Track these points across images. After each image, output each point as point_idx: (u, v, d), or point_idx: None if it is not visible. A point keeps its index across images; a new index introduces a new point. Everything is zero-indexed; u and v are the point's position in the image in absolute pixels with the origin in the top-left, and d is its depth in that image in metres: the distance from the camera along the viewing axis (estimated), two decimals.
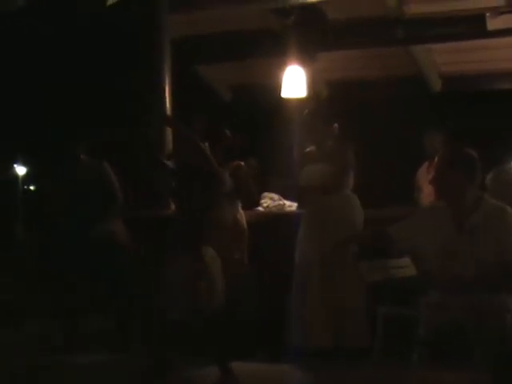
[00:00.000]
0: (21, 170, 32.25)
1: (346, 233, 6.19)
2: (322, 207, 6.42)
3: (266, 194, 7.67)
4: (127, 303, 6.89)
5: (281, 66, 8.61)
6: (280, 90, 8.65)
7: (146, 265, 6.60)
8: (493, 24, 8.33)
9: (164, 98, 7.76)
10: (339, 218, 6.42)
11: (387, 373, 5.45)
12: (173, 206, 7.00)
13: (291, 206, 7.52)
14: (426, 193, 8.08)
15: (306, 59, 8.61)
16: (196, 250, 5.83)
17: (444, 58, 9.77)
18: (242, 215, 6.78)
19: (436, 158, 5.04)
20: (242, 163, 6.76)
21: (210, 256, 5.88)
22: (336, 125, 6.56)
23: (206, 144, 6.05)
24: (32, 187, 32.85)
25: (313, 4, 8.20)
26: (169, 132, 7.49)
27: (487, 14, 8.27)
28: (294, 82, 8.54)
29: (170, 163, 6.34)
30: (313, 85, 9.01)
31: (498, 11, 8.24)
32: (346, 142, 6.55)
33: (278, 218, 7.31)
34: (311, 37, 8.59)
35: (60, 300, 6.83)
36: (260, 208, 7.52)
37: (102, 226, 6.77)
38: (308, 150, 6.70)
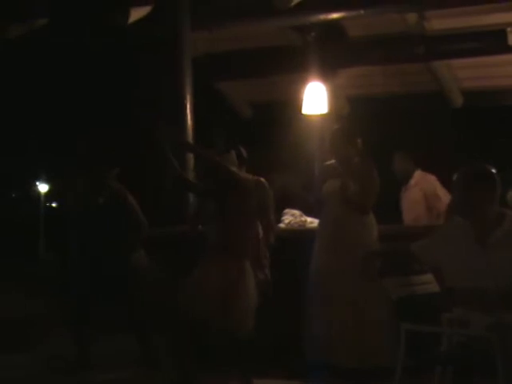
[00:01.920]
0: (43, 188, 32.42)
1: (363, 248, 6.20)
2: (340, 222, 6.44)
3: (287, 210, 7.65)
4: (152, 321, 6.90)
5: (301, 83, 8.63)
6: (301, 107, 8.66)
7: (173, 282, 6.61)
8: None
9: (186, 115, 7.78)
10: (357, 233, 6.43)
11: None
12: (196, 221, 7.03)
13: (313, 222, 7.50)
14: (404, 209, 8.18)
15: (326, 76, 8.62)
16: (237, 262, 5.87)
17: (465, 74, 9.75)
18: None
19: (456, 175, 5.02)
20: (263, 179, 6.77)
21: (249, 269, 5.92)
22: (360, 140, 6.58)
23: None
24: (54, 205, 33.02)
25: (333, 21, 8.21)
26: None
27: (508, 29, 8.26)
28: (315, 98, 8.54)
29: (197, 183, 6.39)
30: (334, 101, 9.02)
31: None
32: (371, 161, 6.57)
33: (300, 234, 7.30)
34: (332, 53, 8.61)
35: (79, 319, 6.84)
36: (281, 225, 7.51)
37: (128, 254, 6.79)
38: (328, 163, 6.72)
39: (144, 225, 6.85)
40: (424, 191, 8.27)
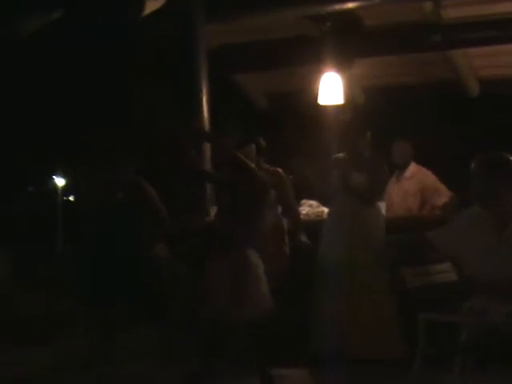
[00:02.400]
0: (60, 182, 32.50)
1: (375, 238, 6.22)
2: (352, 212, 6.45)
3: (304, 200, 7.66)
4: (172, 315, 6.91)
5: (317, 73, 8.61)
6: (316, 97, 8.65)
7: (189, 274, 6.63)
8: None
9: (202, 106, 7.78)
10: (368, 223, 6.44)
11: (428, 381, 5.41)
12: (212, 213, 7.04)
13: None
14: (396, 200, 8.11)
15: (342, 66, 8.60)
16: (241, 252, 5.87)
17: (481, 62, 9.70)
18: (282, 221, 6.80)
19: (473, 163, 5.00)
20: (280, 170, 6.77)
21: (254, 257, 5.92)
22: (369, 133, 6.59)
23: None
24: (72, 198, 33.10)
25: (349, 10, 8.19)
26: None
27: None
28: (331, 88, 8.53)
29: (213, 172, 6.40)
30: (350, 91, 9.00)
31: None
32: (380, 154, 6.59)
33: (318, 224, 7.30)
34: (348, 43, 8.58)
35: (98, 314, 6.85)
36: None
37: (149, 248, 6.80)
38: (339, 155, 6.75)
39: (165, 218, 6.86)
40: (422, 184, 8.16)
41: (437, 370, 5.37)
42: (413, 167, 8.26)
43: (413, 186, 8.13)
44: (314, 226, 7.21)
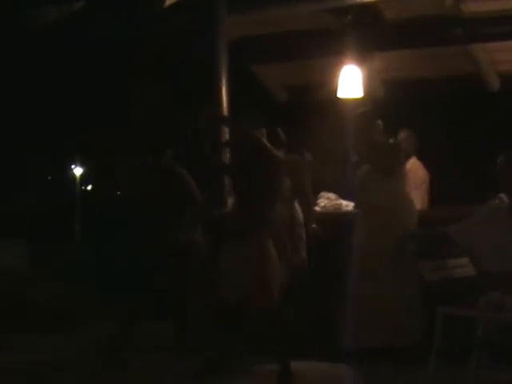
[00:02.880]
0: (78, 171, 32.61)
1: (403, 228, 6.22)
2: (380, 205, 6.46)
3: (322, 193, 7.67)
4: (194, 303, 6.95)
5: (337, 66, 8.61)
6: (336, 90, 8.65)
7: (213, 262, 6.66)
8: None
9: (221, 98, 7.80)
10: (396, 217, 6.45)
11: (444, 375, 5.42)
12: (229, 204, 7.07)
13: (348, 205, 7.51)
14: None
15: (362, 59, 8.59)
16: (257, 240, 5.91)
17: (502, 57, 9.65)
18: (299, 214, 6.82)
19: (501, 157, 5.02)
20: (297, 157, 6.77)
21: (271, 247, 5.96)
22: (380, 122, 6.66)
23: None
24: (90, 187, 33.20)
25: (370, 3, 8.18)
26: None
27: None
28: (350, 81, 8.53)
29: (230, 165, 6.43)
30: (369, 85, 8.99)
31: None
32: (393, 141, 6.66)
33: (336, 217, 7.32)
34: (368, 36, 8.56)
35: (124, 302, 6.89)
36: (317, 208, 7.52)
37: (184, 233, 6.83)
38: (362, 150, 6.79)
39: (201, 204, 6.89)
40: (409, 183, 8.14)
41: (453, 365, 5.39)
42: (414, 163, 8.32)
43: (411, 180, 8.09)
44: (332, 219, 7.24)
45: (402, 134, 8.31)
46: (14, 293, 9.81)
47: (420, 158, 8.59)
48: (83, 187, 33.32)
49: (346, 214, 7.34)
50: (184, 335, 6.89)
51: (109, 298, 7.81)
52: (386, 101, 9.84)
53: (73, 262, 14.60)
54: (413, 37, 8.76)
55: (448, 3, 8.27)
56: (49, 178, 31.35)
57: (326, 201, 7.56)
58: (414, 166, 8.40)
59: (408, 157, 8.22)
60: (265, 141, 6.13)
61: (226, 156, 7.19)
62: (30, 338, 7.68)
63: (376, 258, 6.40)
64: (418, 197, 8.16)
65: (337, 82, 8.63)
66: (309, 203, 6.84)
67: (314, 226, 6.74)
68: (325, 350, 6.50)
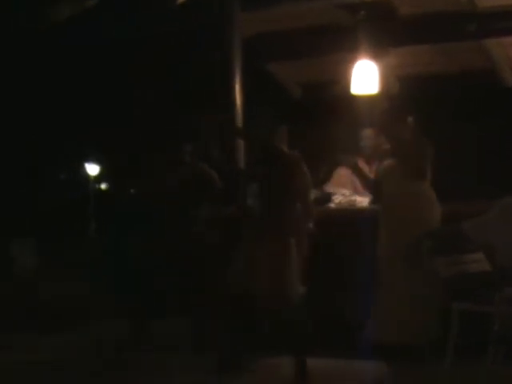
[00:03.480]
0: (92, 170, 32.63)
1: (423, 229, 6.19)
2: (400, 203, 6.43)
3: (337, 189, 7.65)
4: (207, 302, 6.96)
5: (351, 62, 8.59)
6: (350, 86, 8.63)
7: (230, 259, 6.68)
8: None
9: (235, 95, 7.81)
10: (416, 214, 6.41)
11: (461, 371, 5.41)
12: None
13: (362, 201, 7.49)
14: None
15: (376, 55, 8.57)
16: (282, 239, 5.93)
17: None
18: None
19: None
20: (296, 154, 6.75)
21: (293, 245, 5.98)
22: (411, 118, 6.59)
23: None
24: (103, 186, 33.24)
25: None
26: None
27: None
28: (365, 77, 8.51)
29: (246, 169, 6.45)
30: (384, 81, 8.96)
31: None
32: (424, 139, 6.57)
33: (351, 214, 7.30)
34: (382, 32, 8.54)
35: (137, 300, 6.91)
36: (332, 204, 7.51)
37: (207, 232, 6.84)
38: (387, 146, 6.75)
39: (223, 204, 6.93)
40: None
41: (469, 361, 5.38)
42: None
43: None
44: (347, 215, 7.23)
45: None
46: (20, 292, 9.88)
47: None
48: (97, 186, 33.35)
49: (361, 210, 7.33)
50: (197, 333, 6.90)
51: (122, 297, 7.82)
52: (400, 97, 9.82)
53: (84, 261, 14.68)
54: (427, 32, 8.74)
55: None
56: (62, 177, 31.41)
57: (341, 197, 7.54)
58: None
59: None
60: (280, 145, 6.15)
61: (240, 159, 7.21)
62: (31, 338, 7.70)
63: (394, 257, 6.37)
64: None
65: (351, 78, 8.61)
66: (305, 203, 6.75)
67: (310, 225, 6.65)
68: (337, 348, 6.50)
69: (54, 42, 9.25)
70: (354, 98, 8.82)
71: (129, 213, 6.96)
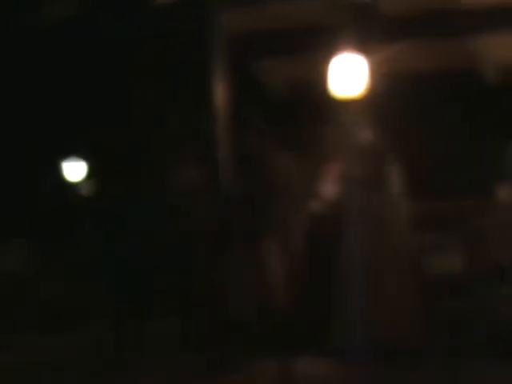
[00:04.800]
0: (79, 170, 32.56)
1: (392, 231, 6.24)
2: (367, 205, 6.47)
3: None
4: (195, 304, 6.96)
5: (337, 62, 8.59)
6: (337, 86, 8.63)
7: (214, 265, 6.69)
8: None
9: (219, 95, 7.79)
10: (384, 216, 6.45)
11: (447, 369, 5.43)
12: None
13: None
14: None
15: (363, 53, 8.58)
16: (265, 244, 5.95)
17: (501, 51, 9.64)
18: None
19: None
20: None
21: (275, 250, 6.00)
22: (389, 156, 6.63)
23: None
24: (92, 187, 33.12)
25: None
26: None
27: None
28: (352, 76, 8.51)
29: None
30: (370, 79, 8.97)
31: None
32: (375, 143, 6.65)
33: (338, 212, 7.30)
34: (367, 31, 8.56)
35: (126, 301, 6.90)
36: (315, 205, 7.50)
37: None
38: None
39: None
40: None
41: (455, 359, 5.39)
42: None
43: None
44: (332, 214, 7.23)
45: None
46: (14, 293, 9.84)
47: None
48: (84, 186, 33.30)
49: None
50: (189, 333, 6.90)
51: (116, 297, 7.82)
52: (386, 95, 9.83)
53: (75, 261, 14.62)
54: (413, 31, 8.76)
55: None
56: (49, 177, 31.34)
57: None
58: None
59: None
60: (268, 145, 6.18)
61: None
62: (30, 338, 7.68)
63: (372, 258, 6.39)
64: None
65: (337, 78, 8.61)
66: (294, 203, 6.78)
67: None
68: (325, 348, 6.51)
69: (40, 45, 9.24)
70: (340, 96, 8.82)
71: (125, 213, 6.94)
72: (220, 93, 7.72)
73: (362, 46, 8.63)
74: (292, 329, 6.28)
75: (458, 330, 5.33)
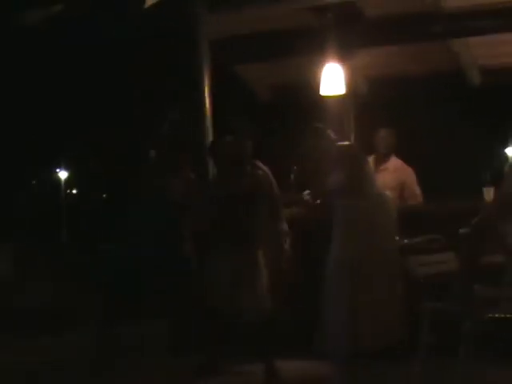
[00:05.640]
0: (63, 174, 32.53)
1: (380, 233, 6.27)
2: (353, 209, 6.49)
3: (307, 191, 7.65)
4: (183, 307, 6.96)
5: (319, 64, 8.62)
6: (318, 88, 8.66)
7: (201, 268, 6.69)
8: None
9: (203, 98, 7.80)
10: (371, 218, 6.46)
11: (432, 369, 5.44)
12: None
13: None
14: None
15: (344, 56, 8.61)
16: (249, 250, 5.97)
17: (483, 52, 9.69)
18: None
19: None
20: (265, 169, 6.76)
21: (261, 257, 6.01)
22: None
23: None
24: (74, 191, 33.12)
25: (350, 1, 8.20)
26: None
27: None
28: (333, 79, 8.54)
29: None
30: (352, 82, 9.01)
31: None
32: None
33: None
34: (349, 34, 8.58)
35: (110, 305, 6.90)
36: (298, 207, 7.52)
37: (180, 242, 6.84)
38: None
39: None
40: (402, 182, 8.14)
41: (441, 359, 5.40)
42: (396, 161, 8.28)
43: (393, 180, 8.09)
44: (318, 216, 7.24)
45: (381, 133, 8.32)
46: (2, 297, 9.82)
47: (398, 156, 8.57)
48: (68, 191, 33.24)
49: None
50: (177, 335, 6.91)
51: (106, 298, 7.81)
52: (368, 98, 9.87)
53: (62, 263, 14.61)
54: (393, 33, 8.78)
55: None
56: (33, 182, 31.28)
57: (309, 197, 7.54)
58: (398, 164, 8.38)
59: (388, 155, 8.24)
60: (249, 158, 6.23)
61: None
62: (12, 341, 7.67)
63: (355, 260, 6.40)
64: (410, 192, 8.14)
65: (319, 80, 8.64)
66: (279, 214, 6.72)
67: (285, 227, 6.64)
68: (310, 350, 6.52)
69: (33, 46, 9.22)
70: (323, 99, 8.86)
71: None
72: (206, 96, 7.73)
73: (345, 49, 8.68)
74: (279, 330, 6.28)
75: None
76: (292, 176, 7.78)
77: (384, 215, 6.55)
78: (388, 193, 7.15)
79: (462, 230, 5.67)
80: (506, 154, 32.80)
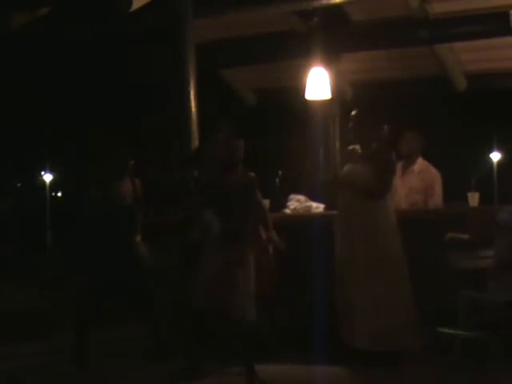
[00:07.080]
0: (48, 177, 32.44)
1: (379, 234, 6.27)
2: (354, 209, 6.45)
3: (292, 195, 7.66)
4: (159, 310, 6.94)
5: (305, 69, 8.64)
6: (304, 92, 8.68)
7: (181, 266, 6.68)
8: None
9: (190, 102, 7.80)
10: (370, 221, 6.42)
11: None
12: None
13: (318, 207, 7.52)
14: (401, 194, 7.93)
15: (329, 61, 8.63)
16: (240, 250, 5.97)
17: (468, 57, 9.74)
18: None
19: None
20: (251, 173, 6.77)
21: (250, 258, 6.02)
22: (386, 127, 6.56)
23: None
24: (60, 194, 33.03)
25: (336, 5, 8.22)
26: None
27: (511, 12, 8.25)
28: (318, 83, 8.55)
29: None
30: (337, 86, 9.02)
31: None
32: (388, 150, 6.57)
33: (306, 219, 7.33)
34: (335, 38, 8.61)
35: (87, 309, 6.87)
36: (287, 210, 7.53)
37: (131, 241, 6.83)
38: (351, 147, 6.71)
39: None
40: (428, 183, 8.06)
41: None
42: (422, 163, 8.13)
43: (419, 182, 8.00)
44: (302, 221, 7.25)
45: (405, 136, 8.15)
46: None
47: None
48: (53, 193, 33.16)
49: (316, 216, 7.36)
50: (158, 339, 6.88)
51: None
52: (354, 102, 9.89)
53: (45, 267, 14.56)
54: (379, 38, 8.81)
55: (414, 5, 8.35)
56: (18, 184, 31.20)
57: (296, 203, 7.56)
58: (423, 166, 8.22)
59: (414, 158, 8.10)
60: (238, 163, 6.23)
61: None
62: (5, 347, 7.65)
63: (355, 259, 6.39)
64: (438, 194, 8.07)
65: (305, 85, 8.65)
66: (263, 213, 6.71)
67: (274, 237, 6.62)
68: (299, 353, 6.51)
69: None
70: (308, 104, 8.87)
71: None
72: (192, 99, 7.72)
73: (332, 54, 8.70)
74: (262, 334, 6.29)
75: None
76: (277, 180, 7.80)
77: (380, 218, 6.51)
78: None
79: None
80: (491, 159, 32.97)
